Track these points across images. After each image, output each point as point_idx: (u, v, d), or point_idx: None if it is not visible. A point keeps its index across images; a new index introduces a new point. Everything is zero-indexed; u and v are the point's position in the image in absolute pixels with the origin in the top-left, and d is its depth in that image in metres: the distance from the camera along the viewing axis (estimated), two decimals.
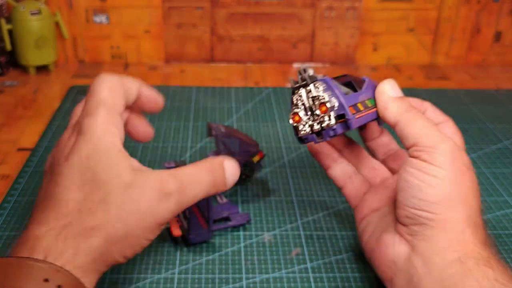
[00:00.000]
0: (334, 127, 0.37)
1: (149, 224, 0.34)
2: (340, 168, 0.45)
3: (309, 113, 0.38)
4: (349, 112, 0.36)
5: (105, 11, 0.79)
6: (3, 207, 0.49)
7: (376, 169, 0.44)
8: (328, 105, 0.36)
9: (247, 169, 0.52)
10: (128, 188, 0.34)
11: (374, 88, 0.40)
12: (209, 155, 0.51)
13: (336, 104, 0.36)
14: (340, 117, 0.37)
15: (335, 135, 0.37)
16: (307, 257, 0.44)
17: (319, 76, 0.38)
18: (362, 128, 0.44)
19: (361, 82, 0.40)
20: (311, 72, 0.38)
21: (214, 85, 0.77)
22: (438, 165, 0.35)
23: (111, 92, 0.36)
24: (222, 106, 0.70)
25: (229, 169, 0.38)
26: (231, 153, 0.50)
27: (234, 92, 0.74)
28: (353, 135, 0.45)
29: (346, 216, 0.50)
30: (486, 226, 0.37)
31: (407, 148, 0.37)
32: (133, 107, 0.40)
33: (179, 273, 0.42)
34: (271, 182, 0.54)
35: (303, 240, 0.46)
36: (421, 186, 0.35)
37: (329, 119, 0.36)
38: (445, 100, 0.73)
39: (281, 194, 0.52)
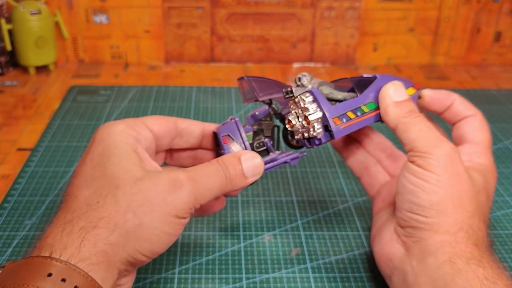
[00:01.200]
0: (319, 137, 0.39)
1: (162, 215, 0.33)
2: (356, 159, 0.45)
3: (300, 121, 0.40)
4: (333, 123, 0.38)
5: (105, 11, 0.79)
6: (3, 207, 0.49)
7: (398, 161, 0.44)
8: (310, 117, 0.38)
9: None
10: (138, 181, 0.34)
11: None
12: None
13: (320, 116, 0.39)
14: (327, 127, 0.39)
15: (320, 144, 0.39)
16: (307, 257, 0.44)
17: (310, 86, 0.40)
18: None
19: (367, 83, 0.41)
20: (305, 80, 0.40)
21: (214, 85, 0.77)
22: (431, 170, 0.35)
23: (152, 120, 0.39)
24: (222, 106, 0.70)
25: (246, 161, 0.37)
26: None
27: (234, 92, 0.74)
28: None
29: (346, 216, 0.50)
30: (487, 227, 0.37)
31: (406, 153, 0.38)
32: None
33: (179, 273, 0.42)
34: (271, 182, 0.54)
35: (303, 240, 0.46)
36: (414, 191, 0.36)
37: (314, 130, 0.39)
38: None
39: (281, 194, 0.52)
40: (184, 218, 0.34)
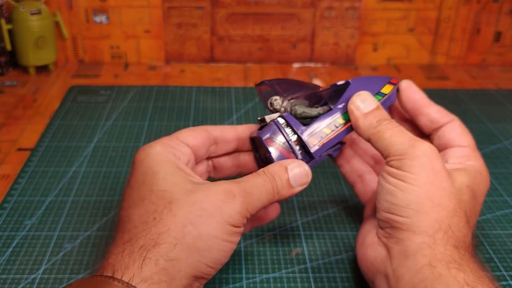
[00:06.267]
0: (300, 157, 0.39)
1: (220, 224, 0.33)
2: (350, 167, 0.45)
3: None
4: (309, 144, 0.38)
5: (105, 11, 0.79)
6: (3, 207, 0.49)
7: None
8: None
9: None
10: (190, 193, 0.34)
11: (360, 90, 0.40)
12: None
13: (295, 139, 0.39)
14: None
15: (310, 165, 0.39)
16: (307, 257, 0.44)
17: (282, 109, 0.40)
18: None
19: (341, 91, 0.40)
20: (276, 104, 0.40)
21: (214, 85, 0.77)
22: (407, 170, 0.35)
23: (184, 133, 0.40)
24: (222, 106, 0.70)
25: (293, 171, 0.37)
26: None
27: (234, 92, 0.74)
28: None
29: (346, 216, 0.50)
30: (471, 227, 0.37)
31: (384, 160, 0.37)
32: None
33: None
34: None
35: (303, 240, 0.46)
36: (392, 190, 0.35)
37: (295, 154, 0.39)
38: (445, 100, 0.73)
39: None
40: (239, 227, 0.35)
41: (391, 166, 0.36)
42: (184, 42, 0.82)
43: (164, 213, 0.33)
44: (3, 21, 0.74)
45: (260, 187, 0.35)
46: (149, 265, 0.31)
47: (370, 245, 0.38)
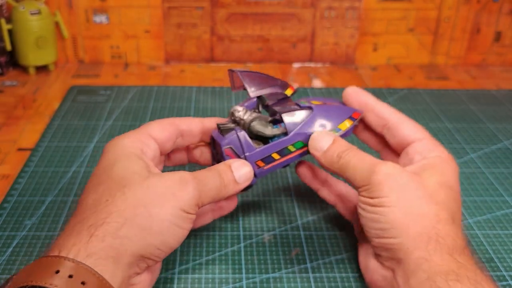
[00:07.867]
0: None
1: (172, 208, 0.34)
2: (326, 190, 0.46)
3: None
4: (255, 166, 0.40)
5: (105, 11, 0.79)
6: (3, 207, 0.49)
7: None
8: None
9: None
10: (146, 179, 0.35)
11: (326, 116, 0.42)
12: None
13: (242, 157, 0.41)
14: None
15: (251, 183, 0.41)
16: (307, 257, 0.44)
17: (242, 122, 0.42)
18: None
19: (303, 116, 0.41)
20: (237, 116, 0.42)
21: (214, 85, 0.77)
22: (378, 195, 0.36)
23: (149, 127, 0.41)
24: (222, 106, 0.70)
25: (236, 168, 0.39)
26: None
27: (234, 92, 0.74)
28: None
29: None
30: (457, 225, 0.37)
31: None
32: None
33: (179, 273, 0.42)
34: (271, 182, 0.54)
35: (303, 240, 0.46)
36: (373, 218, 0.36)
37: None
38: (445, 100, 0.73)
39: (281, 194, 0.52)
40: (192, 214, 0.36)
41: (363, 196, 0.37)
42: (184, 42, 0.82)
43: (117, 196, 0.34)
44: (3, 21, 0.74)
45: (210, 178, 0.37)
46: (95, 241, 0.32)
47: (375, 270, 0.38)
